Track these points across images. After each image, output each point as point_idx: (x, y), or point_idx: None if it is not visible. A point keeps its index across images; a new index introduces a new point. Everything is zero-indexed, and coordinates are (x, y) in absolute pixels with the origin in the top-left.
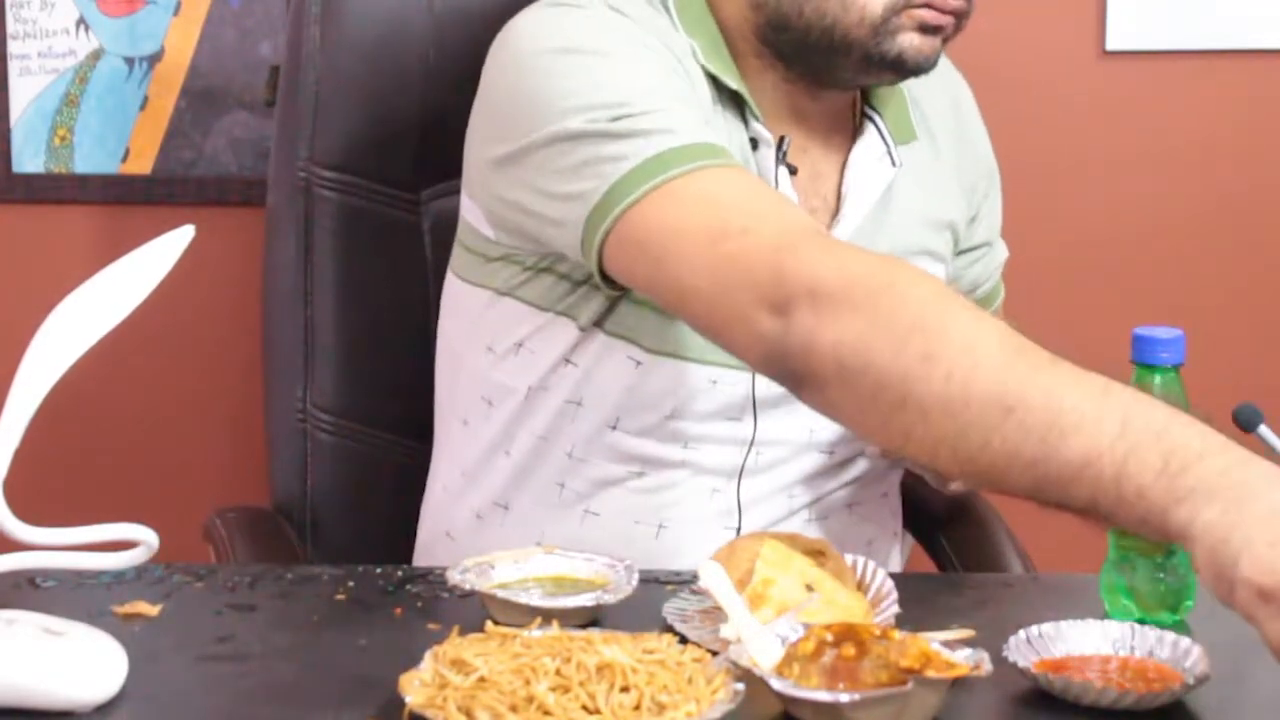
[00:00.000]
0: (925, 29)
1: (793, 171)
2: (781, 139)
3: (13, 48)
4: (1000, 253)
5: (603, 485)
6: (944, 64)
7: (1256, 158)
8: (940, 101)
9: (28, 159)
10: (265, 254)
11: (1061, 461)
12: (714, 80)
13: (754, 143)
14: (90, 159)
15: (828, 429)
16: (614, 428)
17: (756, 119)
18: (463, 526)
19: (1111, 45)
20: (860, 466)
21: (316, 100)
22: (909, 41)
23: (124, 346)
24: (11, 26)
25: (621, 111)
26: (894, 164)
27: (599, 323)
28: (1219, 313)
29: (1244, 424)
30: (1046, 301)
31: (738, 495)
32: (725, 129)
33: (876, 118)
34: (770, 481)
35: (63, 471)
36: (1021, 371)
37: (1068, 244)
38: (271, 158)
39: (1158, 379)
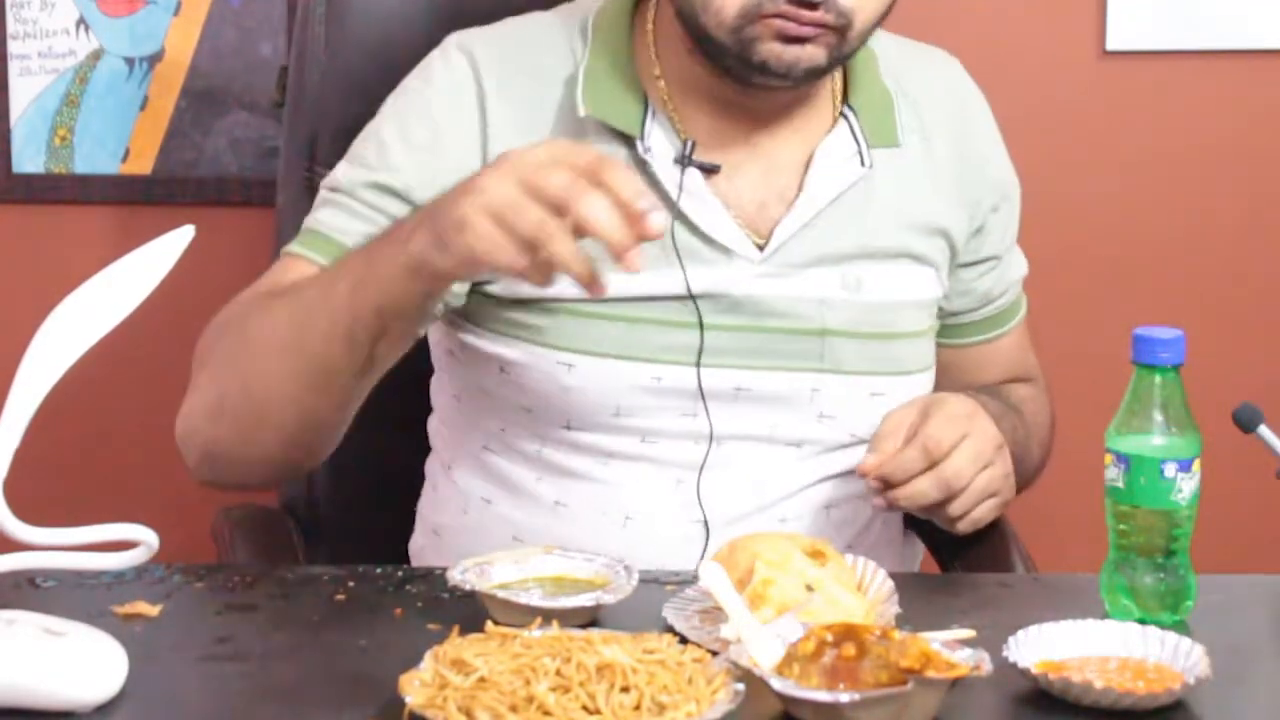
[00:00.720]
0: (787, 39)
1: (711, 170)
2: (685, 143)
3: (13, 48)
4: (1017, 268)
5: (570, 478)
6: (958, 77)
7: (1257, 158)
8: (946, 112)
9: (28, 159)
10: (275, 253)
11: (347, 286)
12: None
13: (641, 162)
14: (90, 159)
15: (791, 424)
16: (568, 428)
17: (640, 139)
18: (449, 523)
19: (1111, 45)
20: (834, 465)
21: (322, 101)
22: (770, 50)
23: (124, 346)
24: (11, 26)
25: (338, 177)
26: (863, 164)
27: (497, 327)
28: (1219, 313)
29: (1244, 424)
30: (1047, 301)
31: (698, 489)
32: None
33: (851, 117)
34: (734, 476)
35: (63, 471)
36: (271, 300)
37: (1068, 244)
38: (281, 158)
39: (1158, 379)
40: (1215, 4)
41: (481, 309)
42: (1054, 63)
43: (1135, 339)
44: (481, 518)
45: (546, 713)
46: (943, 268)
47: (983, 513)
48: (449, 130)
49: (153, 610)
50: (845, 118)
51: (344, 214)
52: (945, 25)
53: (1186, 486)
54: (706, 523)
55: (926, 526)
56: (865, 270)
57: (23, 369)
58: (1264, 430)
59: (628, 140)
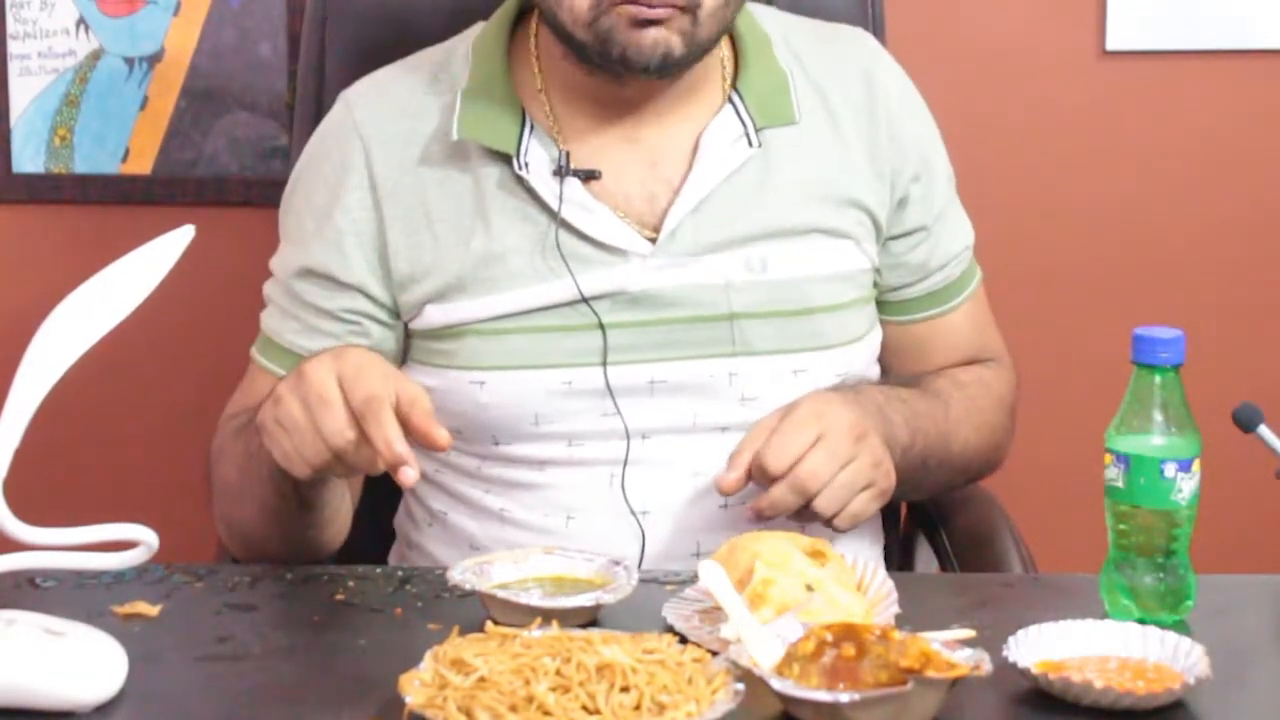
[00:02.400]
0: (641, 23)
1: (589, 177)
2: (561, 154)
3: (13, 48)
4: (955, 239)
5: (512, 487)
6: (865, 54)
7: (1257, 158)
8: (853, 89)
9: (28, 159)
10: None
11: (264, 454)
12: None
13: (518, 178)
14: (90, 159)
15: (713, 411)
16: (496, 443)
17: (516, 156)
18: (416, 537)
19: (1111, 45)
20: None
21: (322, 102)
22: (628, 39)
23: (124, 346)
24: (11, 26)
25: (274, 264)
26: (751, 145)
27: (420, 358)
28: (1219, 313)
29: (1244, 424)
30: (1047, 302)
31: (623, 486)
32: (469, 172)
33: (738, 99)
34: (664, 468)
35: (63, 471)
36: (235, 441)
37: (1068, 244)
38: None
39: (1158, 379)
40: (1215, 4)
41: (410, 344)
42: (1054, 63)
43: (1135, 339)
44: (441, 530)
45: (546, 713)
46: (864, 240)
47: (859, 506)
48: (342, 185)
49: (153, 610)
50: (731, 101)
51: (278, 313)
52: (946, 25)
53: (1186, 486)
54: (638, 517)
55: (928, 521)
56: (770, 250)
57: (23, 369)
58: (1264, 430)
59: (505, 158)
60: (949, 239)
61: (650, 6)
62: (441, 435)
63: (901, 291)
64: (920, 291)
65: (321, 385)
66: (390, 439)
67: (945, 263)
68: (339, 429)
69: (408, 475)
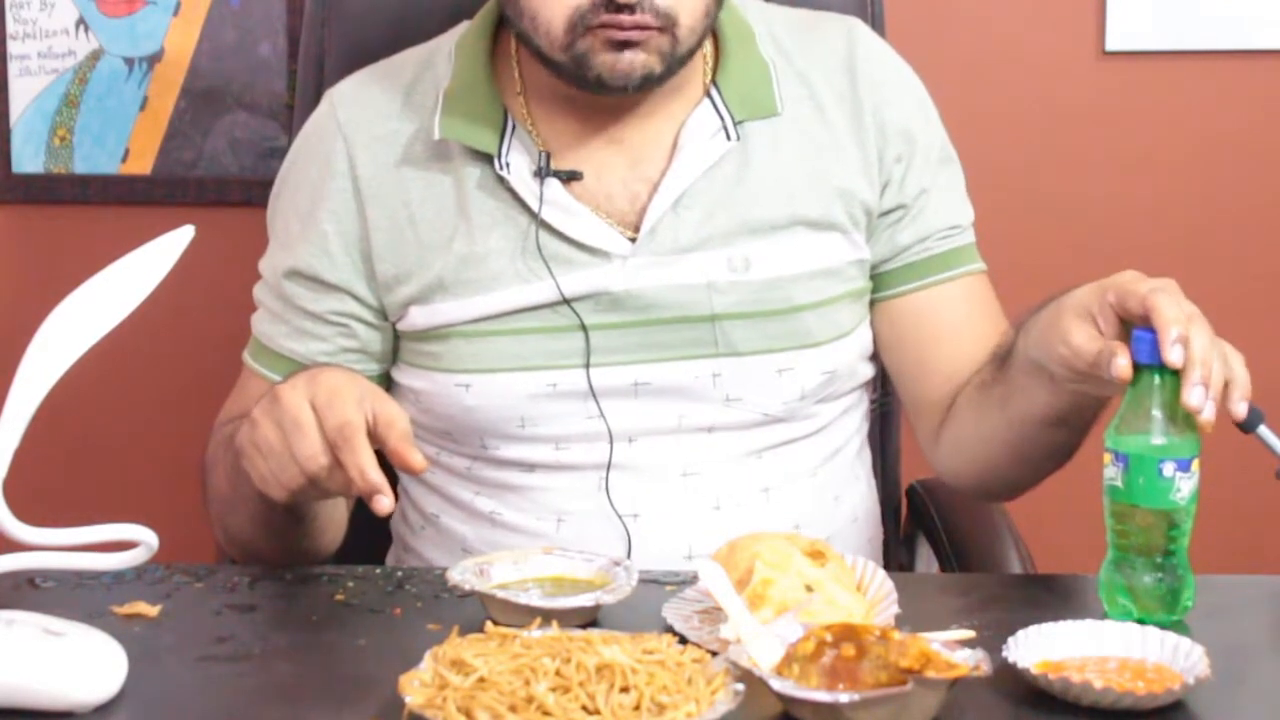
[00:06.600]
0: (617, 45)
1: (570, 177)
2: (541, 155)
3: (13, 48)
4: (941, 216)
5: (502, 489)
6: (847, 38)
7: (1256, 158)
8: (834, 75)
9: (28, 159)
10: None
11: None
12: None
13: (500, 179)
14: (90, 159)
15: (698, 412)
16: (484, 446)
17: (498, 157)
18: (411, 538)
19: (1111, 45)
20: (754, 443)
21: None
22: (603, 62)
23: (124, 346)
24: (11, 27)
25: (263, 265)
26: (730, 138)
27: (408, 359)
28: (1219, 313)
29: (1244, 424)
30: None
31: (607, 489)
32: (451, 173)
33: (715, 93)
34: (655, 471)
35: (63, 471)
36: (226, 449)
37: (1067, 244)
38: None
39: (1157, 379)
40: (1215, 4)
41: (400, 344)
42: (1054, 63)
43: (1135, 338)
44: (434, 534)
45: (546, 713)
46: (854, 230)
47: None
48: (325, 186)
49: (152, 610)
50: (710, 95)
51: (267, 316)
52: (946, 25)
53: (1185, 486)
54: (624, 520)
55: (927, 521)
56: (753, 248)
57: (23, 369)
58: (1264, 430)
59: (487, 159)
60: (934, 217)
61: (623, 29)
62: (417, 459)
63: (878, 267)
64: (899, 264)
65: (296, 410)
66: (364, 468)
67: (925, 236)
68: (313, 454)
69: (382, 504)
